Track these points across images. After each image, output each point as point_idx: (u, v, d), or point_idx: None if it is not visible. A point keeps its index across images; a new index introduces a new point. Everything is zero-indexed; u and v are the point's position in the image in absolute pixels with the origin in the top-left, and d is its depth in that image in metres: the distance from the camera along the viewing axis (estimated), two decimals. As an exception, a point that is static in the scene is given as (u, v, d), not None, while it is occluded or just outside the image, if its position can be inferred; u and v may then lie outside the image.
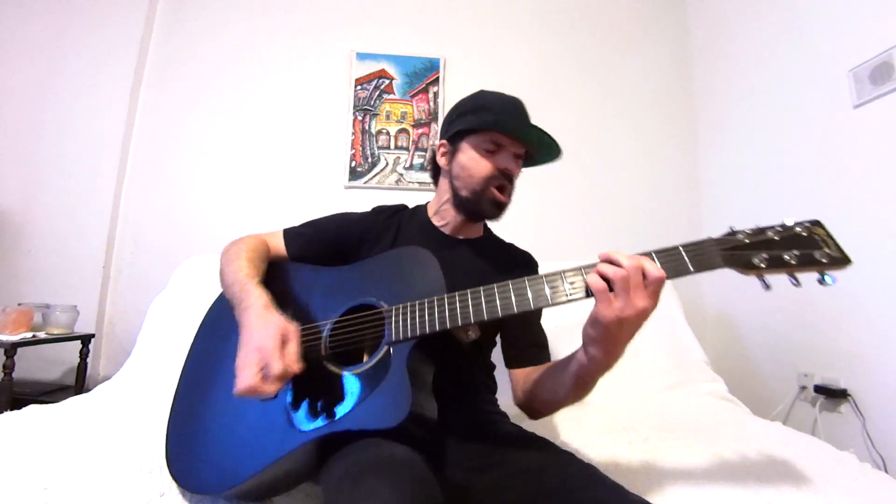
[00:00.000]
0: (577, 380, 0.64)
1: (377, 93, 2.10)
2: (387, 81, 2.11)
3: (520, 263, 0.93)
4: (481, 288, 0.62)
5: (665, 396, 1.34)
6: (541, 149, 0.84)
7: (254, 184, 2.01)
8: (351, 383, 0.63)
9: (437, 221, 0.90)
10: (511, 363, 0.84)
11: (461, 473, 0.66)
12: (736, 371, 1.76)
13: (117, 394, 1.23)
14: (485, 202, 0.82)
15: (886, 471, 1.19)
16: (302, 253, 0.87)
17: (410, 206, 0.97)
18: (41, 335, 1.56)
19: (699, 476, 0.80)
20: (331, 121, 2.07)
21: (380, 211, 0.93)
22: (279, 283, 0.80)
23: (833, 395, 1.39)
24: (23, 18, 2.02)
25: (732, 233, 0.57)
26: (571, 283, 0.58)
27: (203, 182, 2.00)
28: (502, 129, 0.80)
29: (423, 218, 0.92)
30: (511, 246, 0.96)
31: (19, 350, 1.48)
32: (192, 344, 0.83)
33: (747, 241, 0.55)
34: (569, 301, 0.58)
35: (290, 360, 0.58)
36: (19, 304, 1.63)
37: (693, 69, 2.23)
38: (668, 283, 1.92)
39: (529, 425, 0.84)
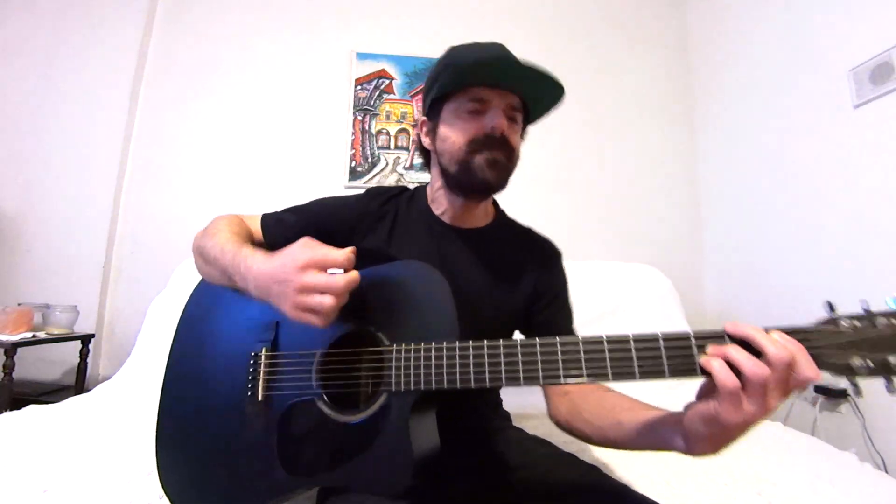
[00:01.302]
0: (658, 450, 0.52)
1: (377, 93, 2.10)
2: (387, 81, 2.11)
3: (537, 257, 0.78)
4: (500, 343, 0.51)
5: (665, 396, 1.34)
6: (536, 92, 0.68)
7: (254, 184, 2.01)
8: (346, 433, 0.56)
9: (435, 209, 0.77)
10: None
11: (463, 489, 0.65)
12: (736, 371, 1.75)
13: (117, 394, 1.23)
14: (476, 169, 0.66)
15: (886, 471, 1.19)
16: (282, 243, 0.69)
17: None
18: (41, 335, 1.56)
19: (699, 476, 0.80)
20: (331, 121, 2.07)
21: (374, 195, 0.78)
22: None
23: (833, 395, 1.39)
24: (23, 19, 2.02)
25: (834, 319, 0.43)
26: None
27: (203, 182, 2.00)
28: (477, 81, 0.65)
29: (422, 204, 0.78)
30: (528, 232, 0.81)
31: (19, 350, 1.48)
32: (171, 354, 0.73)
33: (853, 333, 0.42)
34: (636, 380, 0.46)
35: (334, 256, 0.52)
36: (19, 304, 1.63)
37: (693, 69, 2.23)
38: (669, 283, 1.88)
39: (531, 427, 0.84)
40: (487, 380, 0.51)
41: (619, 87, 2.19)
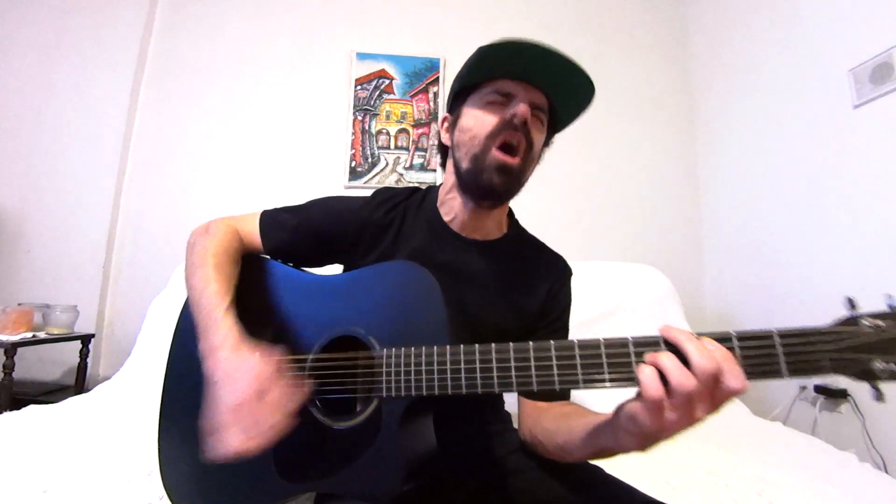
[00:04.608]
0: (600, 452, 0.52)
1: (377, 93, 2.10)
2: (387, 81, 2.11)
3: (545, 275, 0.74)
4: (492, 347, 0.49)
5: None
6: (564, 90, 0.63)
7: (254, 183, 2.01)
8: (339, 440, 0.56)
9: (444, 215, 0.72)
10: (524, 393, 0.68)
11: (464, 494, 0.64)
12: (736, 371, 1.75)
13: (117, 394, 1.23)
14: (486, 169, 0.62)
15: (886, 471, 1.19)
16: (281, 247, 0.72)
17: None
18: (41, 335, 1.56)
19: (700, 476, 0.80)
20: (331, 121, 2.07)
21: (381, 201, 0.74)
22: (250, 289, 0.68)
23: (833, 395, 1.39)
24: (23, 18, 2.02)
25: (855, 318, 0.39)
26: (615, 365, 0.43)
27: (203, 182, 2.00)
28: (503, 73, 0.62)
29: (431, 209, 0.73)
30: (541, 249, 0.78)
31: (19, 350, 1.48)
32: (170, 355, 0.73)
33: (876, 334, 0.38)
34: (606, 388, 0.44)
35: (275, 413, 0.50)
36: (19, 304, 1.63)
37: (693, 69, 2.23)
38: (669, 283, 1.88)
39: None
40: (479, 386, 0.49)
41: (619, 87, 2.19)
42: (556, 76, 0.61)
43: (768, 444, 0.95)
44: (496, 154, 0.62)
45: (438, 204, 0.73)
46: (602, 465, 0.64)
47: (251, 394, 0.49)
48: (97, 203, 1.92)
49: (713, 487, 0.76)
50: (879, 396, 0.38)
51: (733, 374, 0.38)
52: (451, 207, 0.71)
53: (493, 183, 0.63)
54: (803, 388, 1.51)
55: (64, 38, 2.01)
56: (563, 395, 0.68)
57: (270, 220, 0.74)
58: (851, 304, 0.40)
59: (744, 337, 0.40)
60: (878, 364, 0.37)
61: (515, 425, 0.78)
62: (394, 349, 0.54)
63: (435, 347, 0.52)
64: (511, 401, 0.85)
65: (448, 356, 0.51)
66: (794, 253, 1.59)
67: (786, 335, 0.39)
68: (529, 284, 0.71)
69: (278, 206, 0.77)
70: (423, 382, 0.52)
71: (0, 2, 2.02)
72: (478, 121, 0.63)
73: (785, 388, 1.58)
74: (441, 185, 0.75)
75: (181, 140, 2.02)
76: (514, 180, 0.64)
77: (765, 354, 0.40)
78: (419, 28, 2.17)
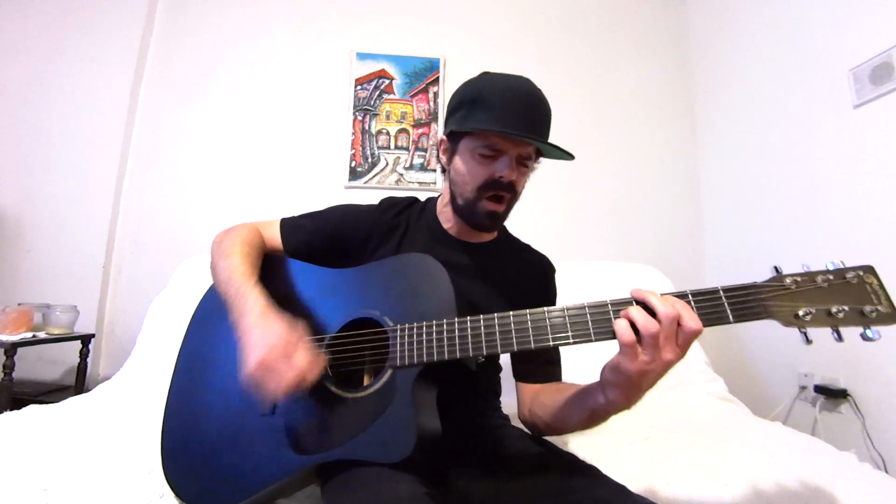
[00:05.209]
0: (593, 415, 0.60)
1: (377, 93, 2.10)
2: (387, 81, 2.11)
3: (535, 271, 0.85)
4: (495, 316, 0.57)
5: (665, 396, 1.34)
6: (549, 150, 0.72)
7: (254, 184, 2.01)
8: (353, 408, 0.61)
9: (443, 222, 0.82)
10: (521, 377, 0.78)
11: (463, 481, 0.65)
12: (736, 371, 1.76)
13: (117, 394, 1.23)
14: (478, 214, 0.73)
15: (886, 471, 1.19)
16: (300, 248, 0.80)
17: (422, 198, 0.89)
18: (41, 335, 1.56)
19: (699, 476, 0.80)
20: (331, 121, 2.07)
21: (388, 206, 0.84)
22: (272, 283, 0.75)
23: (833, 395, 1.39)
24: (23, 19, 2.02)
25: (780, 276, 0.49)
26: (597, 322, 0.53)
27: (203, 182, 2.00)
28: (499, 134, 0.68)
29: (431, 217, 0.83)
30: (527, 249, 0.88)
31: (19, 350, 1.48)
32: (182, 346, 0.77)
33: (795, 287, 0.48)
34: (592, 342, 0.53)
35: (299, 370, 0.55)
36: (19, 304, 1.63)
37: (693, 69, 2.23)
38: (669, 283, 1.87)
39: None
40: (485, 348, 0.56)
41: (620, 87, 2.19)
42: (539, 140, 0.69)
43: (768, 444, 0.95)
44: (485, 204, 0.72)
45: (438, 212, 0.83)
46: (601, 465, 0.65)
47: (273, 352, 0.55)
48: (97, 203, 1.92)
49: (713, 487, 0.76)
50: (808, 341, 0.48)
51: (691, 318, 0.48)
52: (449, 218, 0.81)
53: (483, 224, 0.75)
54: (803, 388, 1.51)
55: (64, 38, 2.01)
56: (556, 377, 0.78)
57: (290, 224, 0.83)
58: (777, 270, 0.50)
59: (696, 293, 0.51)
60: (801, 311, 0.48)
61: (514, 423, 0.81)
62: (406, 324, 0.61)
63: (444, 320, 0.59)
64: (508, 402, 0.85)
65: (456, 325, 0.58)
66: (794, 252, 1.59)
67: (728, 290, 0.50)
68: (520, 280, 0.81)
69: (295, 214, 0.87)
70: (434, 349, 0.58)
71: (0, 2, 2.02)
72: (470, 170, 0.72)
73: (785, 388, 1.58)
74: (440, 196, 0.85)
75: (181, 140, 2.02)
76: (502, 220, 0.77)
77: (714, 305, 0.50)
78: (419, 28, 2.17)
